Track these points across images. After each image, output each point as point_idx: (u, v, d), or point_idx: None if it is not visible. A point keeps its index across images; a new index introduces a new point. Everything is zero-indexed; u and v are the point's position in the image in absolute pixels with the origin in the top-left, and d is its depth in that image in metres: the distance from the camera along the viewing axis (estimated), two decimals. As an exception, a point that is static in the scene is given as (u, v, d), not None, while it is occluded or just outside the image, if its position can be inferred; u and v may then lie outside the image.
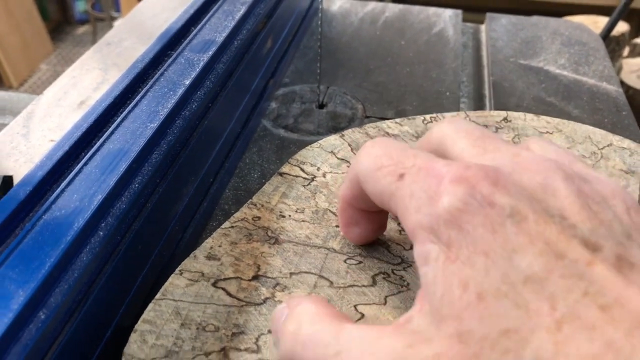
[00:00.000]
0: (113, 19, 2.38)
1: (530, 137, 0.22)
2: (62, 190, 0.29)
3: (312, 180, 0.36)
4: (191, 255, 0.31)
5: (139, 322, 0.27)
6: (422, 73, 0.60)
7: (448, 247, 0.19)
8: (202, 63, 0.40)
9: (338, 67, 0.61)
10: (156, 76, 0.39)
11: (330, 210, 0.34)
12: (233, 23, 0.45)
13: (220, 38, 0.43)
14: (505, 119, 0.42)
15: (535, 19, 0.69)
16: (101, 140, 0.33)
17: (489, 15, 0.70)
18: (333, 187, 0.36)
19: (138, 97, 0.37)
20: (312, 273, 0.30)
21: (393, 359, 0.18)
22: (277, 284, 0.30)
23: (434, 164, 0.21)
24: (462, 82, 0.60)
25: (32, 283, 0.24)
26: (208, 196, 0.41)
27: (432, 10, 0.72)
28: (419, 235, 0.20)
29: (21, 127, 0.46)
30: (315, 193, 0.35)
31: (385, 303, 0.29)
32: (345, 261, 0.31)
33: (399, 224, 0.33)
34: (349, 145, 0.39)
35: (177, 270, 0.30)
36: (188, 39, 0.43)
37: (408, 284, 0.30)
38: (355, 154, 0.38)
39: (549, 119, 0.41)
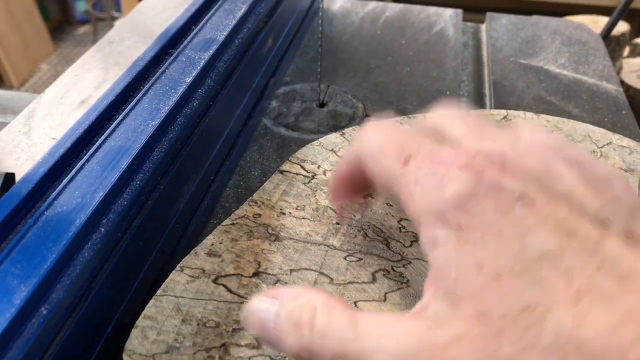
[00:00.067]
0: (114, 18, 2.38)
1: (519, 124, 0.22)
2: (64, 187, 0.29)
3: (313, 177, 0.37)
4: (192, 252, 0.31)
5: (140, 317, 0.28)
6: (423, 72, 0.60)
7: (458, 230, 0.19)
8: (203, 62, 0.40)
9: (339, 66, 0.61)
10: (157, 74, 0.39)
11: (330, 207, 0.34)
12: (234, 22, 0.45)
13: (221, 37, 0.43)
14: (505, 117, 0.42)
15: (535, 18, 0.69)
16: (103, 137, 0.33)
17: (489, 14, 0.70)
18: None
19: (139, 95, 0.37)
20: (312, 270, 0.31)
21: (414, 342, 0.18)
22: (278, 280, 0.30)
23: (440, 150, 0.21)
24: (463, 81, 0.60)
25: (34, 278, 0.24)
26: (209, 194, 0.41)
27: (432, 9, 0.72)
28: (426, 220, 0.20)
29: (23, 126, 0.46)
30: (316, 190, 0.36)
31: (385, 300, 0.29)
32: (345, 258, 0.31)
33: (399, 220, 0.33)
34: (350, 143, 0.39)
35: (178, 267, 0.30)
36: (189, 37, 0.44)
37: (408, 280, 0.30)
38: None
39: (548, 117, 0.42)
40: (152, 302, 0.28)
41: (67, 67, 0.54)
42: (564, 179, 0.19)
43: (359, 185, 0.28)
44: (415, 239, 0.33)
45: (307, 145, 0.39)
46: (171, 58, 0.41)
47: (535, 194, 0.18)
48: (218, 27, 0.45)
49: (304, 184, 0.36)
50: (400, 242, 0.32)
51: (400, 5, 0.73)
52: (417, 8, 0.72)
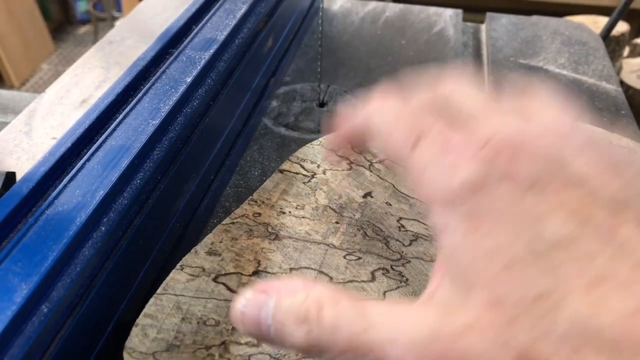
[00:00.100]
0: (114, 18, 2.39)
1: (533, 95, 0.21)
2: (65, 186, 0.30)
3: (312, 177, 0.37)
4: (192, 250, 0.31)
5: (141, 316, 0.28)
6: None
7: (468, 218, 0.18)
8: (203, 61, 0.40)
9: (339, 66, 0.61)
10: (158, 74, 0.39)
11: (330, 206, 0.35)
12: (234, 22, 0.46)
13: (222, 36, 0.44)
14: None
15: (535, 18, 0.70)
16: (103, 136, 0.33)
17: (489, 14, 0.70)
18: (333, 184, 0.36)
19: (140, 95, 0.37)
20: (311, 268, 0.31)
21: (426, 332, 0.18)
22: (278, 279, 0.30)
23: (450, 134, 0.20)
24: (462, 81, 0.60)
25: (35, 277, 0.25)
26: (209, 193, 0.41)
27: (432, 9, 0.72)
28: (436, 206, 0.20)
29: (23, 125, 0.46)
30: (315, 190, 0.36)
31: (384, 298, 0.29)
32: (344, 257, 0.31)
33: (398, 219, 0.34)
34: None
35: (178, 266, 0.30)
36: (189, 37, 0.44)
37: (407, 279, 0.30)
38: (355, 152, 0.38)
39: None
40: (152, 300, 0.28)
41: (68, 67, 0.55)
42: (577, 164, 0.18)
43: (359, 145, 0.28)
44: (414, 238, 0.33)
45: (307, 145, 0.39)
46: (172, 58, 0.41)
47: (548, 179, 0.18)
48: (218, 26, 0.45)
49: (304, 183, 0.36)
50: (399, 241, 0.32)
51: (400, 6, 0.73)
52: (417, 8, 0.73)
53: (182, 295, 0.29)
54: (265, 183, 0.36)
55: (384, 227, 0.33)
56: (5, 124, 0.47)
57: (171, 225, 0.36)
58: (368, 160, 0.38)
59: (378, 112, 0.24)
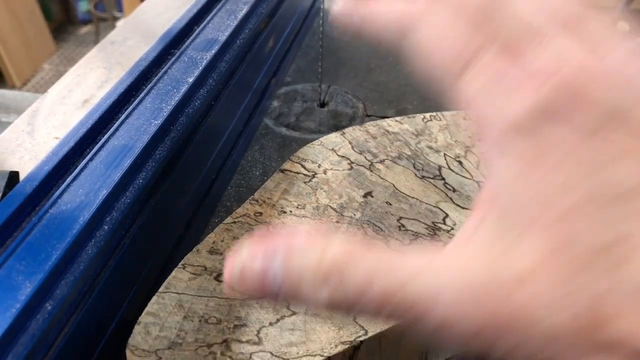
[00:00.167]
0: (116, 18, 2.39)
1: (595, 24, 0.18)
2: (68, 186, 0.30)
3: (313, 177, 0.37)
4: (194, 249, 0.32)
5: (143, 314, 0.28)
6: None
7: (527, 154, 0.16)
8: (205, 62, 0.41)
9: (339, 66, 0.61)
10: (160, 74, 0.39)
11: (330, 206, 0.35)
12: (235, 22, 0.46)
13: (223, 37, 0.44)
14: (504, 117, 0.42)
15: (535, 19, 0.70)
16: (106, 136, 0.33)
17: (489, 15, 0.70)
18: (334, 184, 0.36)
19: (142, 95, 0.37)
20: (312, 267, 0.31)
21: (475, 281, 0.16)
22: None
23: (507, 62, 0.18)
24: (463, 82, 0.61)
25: (39, 275, 0.25)
26: (210, 192, 0.42)
27: (433, 10, 0.72)
28: (488, 135, 0.17)
29: (26, 125, 0.47)
30: (316, 189, 0.36)
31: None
32: (345, 256, 0.32)
33: (398, 219, 0.34)
34: (350, 143, 0.40)
35: (180, 264, 0.31)
36: (191, 37, 0.44)
37: (407, 278, 0.30)
38: (356, 151, 0.39)
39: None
40: (154, 298, 0.29)
41: (69, 67, 0.55)
42: None
43: (372, 31, 0.23)
44: (414, 238, 0.33)
45: (307, 145, 0.39)
46: (173, 58, 0.41)
47: (618, 122, 0.16)
48: (220, 27, 0.45)
49: (305, 182, 0.36)
50: (399, 241, 0.33)
51: (401, 6, 0.73)
52: (417, 8, 0.73)
53: (184, 294, 0.29)
54: (266, 183, 0.36)
55: (384, 226, 0.33)
56: (8, 123, 0.48)
57: (173, 224, 0.36)
58: (368, 161, 0.38)
59: (424, 20, 0.20)
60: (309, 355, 0.27)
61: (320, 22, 0.58)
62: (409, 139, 0.40)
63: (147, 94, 0.37)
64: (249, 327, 0.28)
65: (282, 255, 0.18)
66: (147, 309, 0.28)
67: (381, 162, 0.38)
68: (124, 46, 0.57)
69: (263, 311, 0.29)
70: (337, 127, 0.52)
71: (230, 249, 0.32)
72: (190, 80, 0.39)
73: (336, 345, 0.27)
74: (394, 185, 0.36)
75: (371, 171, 0.37)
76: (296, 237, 0.18)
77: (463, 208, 0.35)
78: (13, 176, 0.34)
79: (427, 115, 0.42)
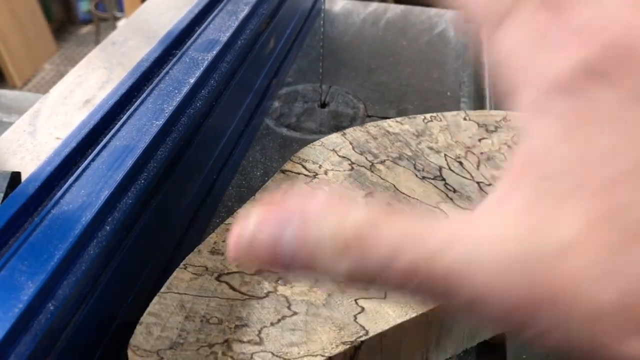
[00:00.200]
0: (116, 19, 2.39)
1: None
2: (70, 186, 0.30)
3: (314, 177, 0.37)
4: (195, 250, 0.32)
5: (145, 314, 0.28)
6: (424, 73, 0.61)
7: (569, 117, 0.15)
8: (206, 62, 0.41)
9: (340, 67, 0.61)
10: (161, 75, 0.39)
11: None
12: (237, 23, 0.46)
13: (224, 38, 0.44)
14: (504, 118, 0.42)
15: (536, 19, 0.70)
16: (108, 137, 0.34)
17: (490, 15, 0.70)
18: (334, 184, 0.36)
19: (144, 96, 0.37)
20: (313, 268, 0.31)
21: (513, 252, 0.14)
22: (279, 278, 0.30)
23: (548, 19, 0.16)
24: (463, 82, 0.61)
25: (41, 275, 0.25)
26: (212, 193, 0.42)
27: (433, 11, 0.73)
28: (527, 93, 0.16)
29: (28, 125, 0.47)
30: (317, 190, 0.36)
31: (385, 297, 0.30)
32: (346, 256, 0.32)
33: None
34: (350, 143, 0.40)
35: (181, 265, 0.31)
36: (192, 38, 0.44)
37: (408, 278, 0.31)
38: (356, 152, 0.39)
39: (547, 118, 0.42)
40: (156, 299, 0.29)
41: (70, 67, 0.55)
42: None
43: None
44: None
45: (308, 145, 0.39)
46: (175, 59, 0.41)
47: None
48: (221, 28, 0.45)
49: (306, 183, 0.36)
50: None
51: (402, 7, 0.73)
52: (418, 9, 0.73)
53: (186, 294, 0.29)
54: (267, 183, 0.36)
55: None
56: (10, 124, 0.48)
57: (174, 224, 0.36)
58: (369, 161, 0.38)
59: None
60: (310, 355, 0.27)
61: (321, 22, 0.58)
62: (410, 140, 0.40)
63: (148, 95, 0.37)
64: (250, 327, 0.28)
65: (296, 222, 0.16)
66: (149, 309, 0.28)
67: (382, 162, 0.38)
68: (125, 46, 0.57)
69: (264, 311, 0.29)
70: (337, 127, 0.52)
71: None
72: (192, 80, 0.39)
73: (337, 346, 0.27)
74: (394, 186, 0.36)
75: (372, 172, 0.37)
76: (312, 203, 0.16)
77: (463, 209, 0.35)
78: (15, 176, 0.34)
79: (428, 115, 0.42)
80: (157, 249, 0.34)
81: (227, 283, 0.30)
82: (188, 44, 0.43)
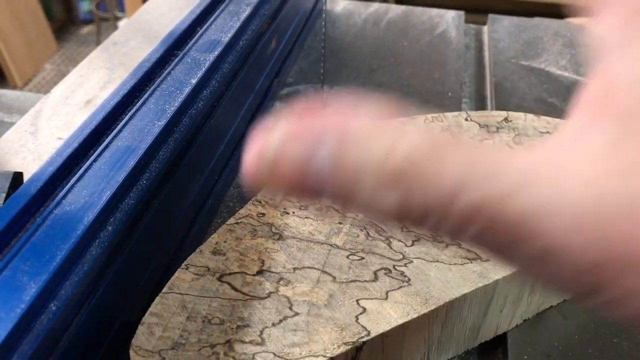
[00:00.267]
0: (117, 19, 2.40)
1: None
2: (72, 186, 0.30)
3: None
4: (197, 250, 0.32)
5: (147, 314, 0.28)
6: (425, 73, 0.61)
7: None
8: (208, 63, 0.41)
9: (341, 67, 0.61)
10: (163, 75, 0.39)
11: (333, 207, 0.35)
12: (238, 23, 0.46)
13: (226, 38, 0.44)
14: (505, 119, 0.42)
15: (537, 20, 0.70)
16: (109, 137, 0.34)
17: (491, 16, 0.70)
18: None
19: (145, 96, 0.37)
20: (315, 268, 0.31)
21: (605, 199, 0.12)
22: (281, 278, 0.31)
23: None
24: (464, 83, 0.61)
25: (44, 275, 0.25)
26: (213, 193, 0.42)
27: (434, 11, 0.73)
28: (615, 14, 0.14)
29: (29, 125, 0.47)
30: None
31: (386, 298, 0.30)
32: (347, 257, 0.32)
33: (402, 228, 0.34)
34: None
35: (183, 265, 0.31)
36: (194, 39, 0.44)
37: (409, 279, 0.31)
38: None
39: (549, 119, 0.42)
40: (158, 299, 0.29)
41: (71, 67, 0.55)
42: None
43: None
44: (416, 239, 0.33)
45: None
46: (176, 59, 0.41)
47: None
48: (223, 28, 0.45)
49: None
50: (401, 242, 0.33)
51: (403, 7, 0.73)
52: (419, 10, 0.73)
53: (187, 294, 0.29)
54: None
55: (387, 227, 0.34)
56: (11, 124, 0.48)
57: (176, 224, 0.36)
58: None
59: None
60: (312, 355, 0.27)
61: (323, 23, 0.58)
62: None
63: (150, 95, 0.37)
64: (252, 328, 0.28)
65: (334, 140, 0.13)
66: (151, 309, 0.28)
67: None
68: (127, 47, 0.58)
69: (266, 312, 0.29)
70: (339, 128, 0.52)
71: (233, 248, 0.32)
72: (193, 81, 0.39)
73: (339, 346, 0.27)
74: (396, 187, 0.36)
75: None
76: (356, 120, 0.14)
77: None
78: (17, 177, 0.34)
79: (429, 116, 0.42)
80: (159, 249, 0.34)
81: (228, 283, 0.30)
82: (190, 44, 0.43)
